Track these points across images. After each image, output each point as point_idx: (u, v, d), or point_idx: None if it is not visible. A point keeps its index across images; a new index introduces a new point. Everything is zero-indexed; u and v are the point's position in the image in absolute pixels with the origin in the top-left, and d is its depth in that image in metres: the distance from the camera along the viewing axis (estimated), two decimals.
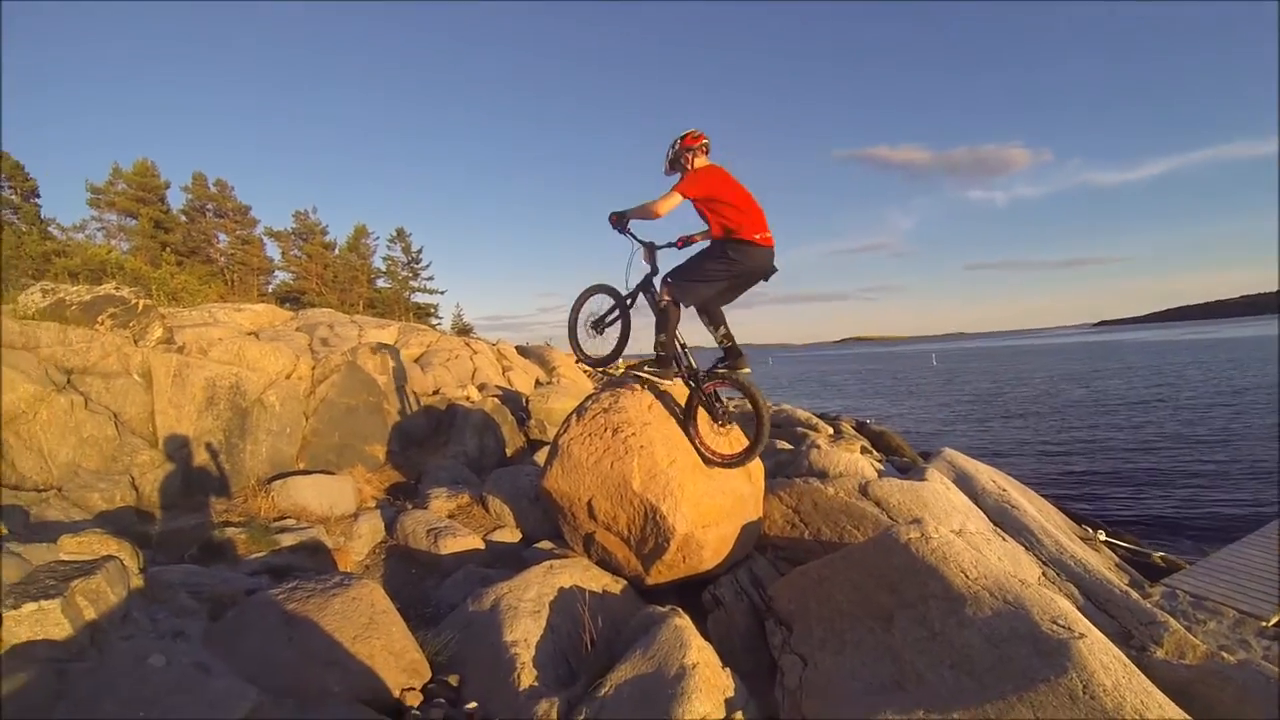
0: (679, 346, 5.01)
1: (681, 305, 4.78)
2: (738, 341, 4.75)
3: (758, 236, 4.36)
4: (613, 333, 5.31)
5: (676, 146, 4.65)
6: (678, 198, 4.40)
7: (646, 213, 4.54)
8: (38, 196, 30.51)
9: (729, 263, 4.44)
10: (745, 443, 4.93)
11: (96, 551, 3.11)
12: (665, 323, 4.79)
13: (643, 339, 5.11)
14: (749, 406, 4.63)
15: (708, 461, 4.90)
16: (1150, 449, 17.22)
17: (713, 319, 4.78)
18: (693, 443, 5.00)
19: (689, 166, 4.61)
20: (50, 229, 29.45)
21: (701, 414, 5.04)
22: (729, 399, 5.19)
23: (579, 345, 5.51)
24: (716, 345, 4.79)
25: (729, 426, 5.06)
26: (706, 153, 4.66)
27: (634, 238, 4.94)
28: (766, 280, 4.64)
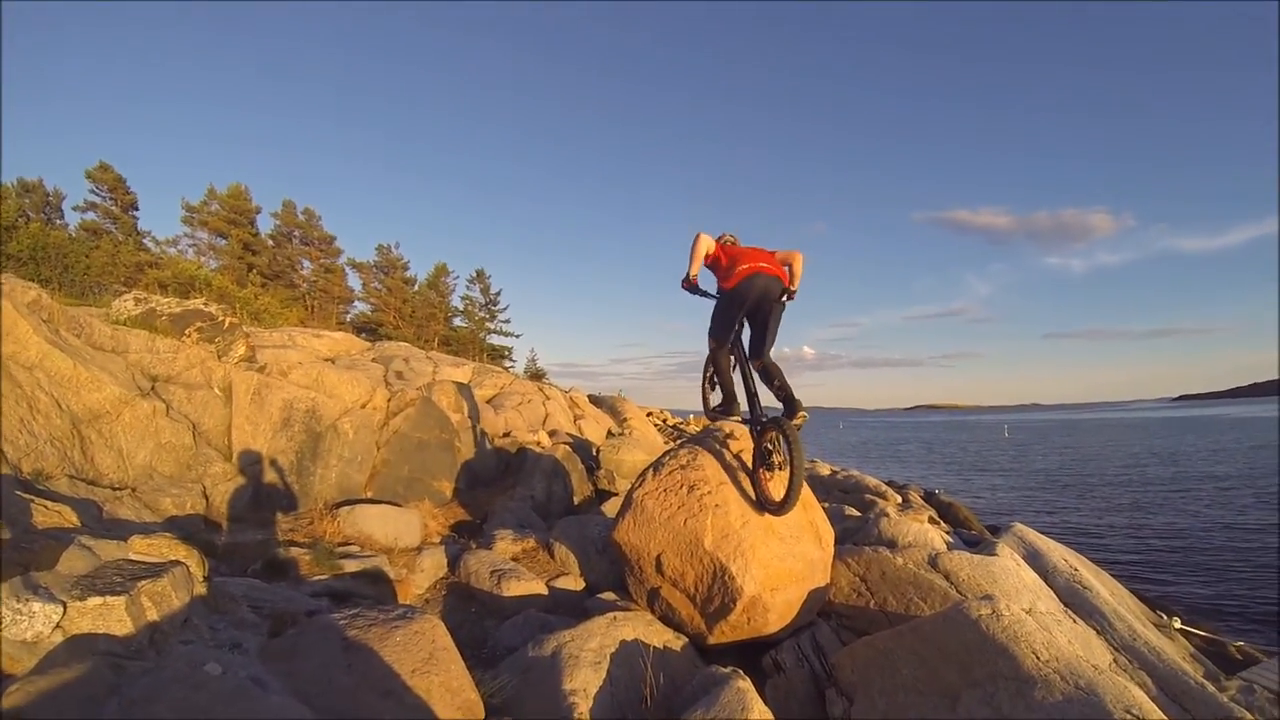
0: (738, 389, 5.31)
1: (722, 345, 5.24)
2: (798, 397, 4.76)
3: (745, 267, 4.87)
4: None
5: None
6: (702, 244, 5.10)
7: (690, 263, 5.15)
8: (136, 209, 32.61)
9: (730, 300, 4.97)
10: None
11: (165, 555, 3.08)
12: (714, 365, 5.44)
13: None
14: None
15: (757, 507, 4.91)
16: (1232, 533, 16.13)
17: (767, 375, 4.96)
18: (753, 487, 5.02)
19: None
20: (145, 241, 31.32)
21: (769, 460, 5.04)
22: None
23: (705, 401, 5.82)
24: (777, 400, 4.92)
25: (772, 474, 4.97)
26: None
27: (708, 295, 5.29)
28: (779, 299, 4.98)
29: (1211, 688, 4.40)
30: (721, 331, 5.16)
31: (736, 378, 5.30)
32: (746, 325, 5.14)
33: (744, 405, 5.31)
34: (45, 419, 5.36)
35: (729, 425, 5.67)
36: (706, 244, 5.12)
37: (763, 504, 4.85)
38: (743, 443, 5.46)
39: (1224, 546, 14.79)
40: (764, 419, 5.02)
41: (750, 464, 5.16)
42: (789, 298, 5.11)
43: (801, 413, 4.61)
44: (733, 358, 5.31)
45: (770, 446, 4.89)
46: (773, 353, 5.02)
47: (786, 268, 5.11)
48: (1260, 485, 23.70)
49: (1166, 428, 74.91)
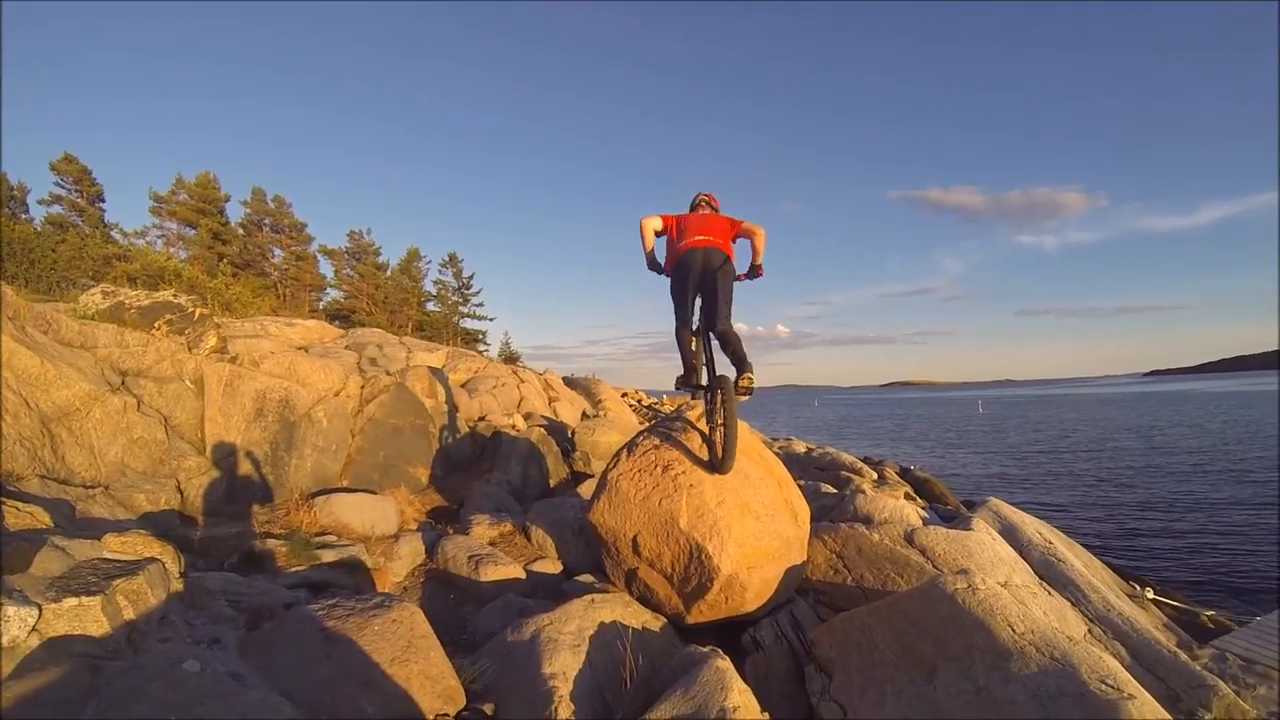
0: (695, 360, 5.41)
1: (682, 322, 5.35)
2: (749, 362, 4.82)
3: (682, 245, 5.14)
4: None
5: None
6: (647, 226, 5.43)
7: (643, 247, 5.48)
8: (103, 201, 31.88)
9: (676, 280, 5.24)
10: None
11: (140, 552, 3.07)
12: (677, 340, 5.45)
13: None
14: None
15: (708, 468, 4.96)
16: (1202, 506, 16.59)
17: (725, 343, 4.98)
18: (709, 448, 5.10)
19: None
20: (113, 233, 30.64)
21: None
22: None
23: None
24: (732, 365, 4.98)
25: (716, 433, 5.04)
26: (691, 208, 5.74)
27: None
28: (720, 267, 5.06)
29: (1184, 656, 4.49)
30: (677, 309, 5.33)
31: (700, 349, 5.42)
32: (701, 299, 5.25)
33: (705, 378, 5.42)
34: (14, 419, 5.28)
35: (700, 405, 5.71)
36: (652, 224, 5.42)
37: (711, 463, 4.93)
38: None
39: (1195, 518, 15.18)
40: (713, 380, 5.15)
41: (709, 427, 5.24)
42: (754, 274, 5.31)
43: (747, 374, 4.67)
44: (695, 334, 5.42)
45: (714, 406, 4.99)
46: (746, 330, 5.08)
47: (747, 241, 5.30)
48: (1233, 458, 24.25)
49: (1139, 402, 76.30)
